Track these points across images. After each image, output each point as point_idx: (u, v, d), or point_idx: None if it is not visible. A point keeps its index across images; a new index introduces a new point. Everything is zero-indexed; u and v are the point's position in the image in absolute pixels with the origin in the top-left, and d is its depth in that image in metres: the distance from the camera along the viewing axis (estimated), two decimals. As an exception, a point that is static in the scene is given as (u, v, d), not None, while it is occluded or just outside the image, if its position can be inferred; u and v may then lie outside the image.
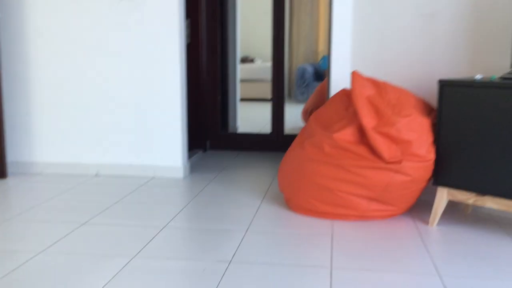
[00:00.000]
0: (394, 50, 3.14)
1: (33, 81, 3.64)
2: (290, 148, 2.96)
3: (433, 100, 3.05)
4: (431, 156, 2.55)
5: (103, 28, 3.52)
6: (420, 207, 2.93)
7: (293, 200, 2.83)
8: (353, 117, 2.66)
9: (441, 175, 2.56)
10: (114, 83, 3.57)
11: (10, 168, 3.69)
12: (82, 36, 3.55)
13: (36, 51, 3.60)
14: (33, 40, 3.60)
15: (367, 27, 3.18)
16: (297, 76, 7.14)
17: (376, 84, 2.74)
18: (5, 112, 3.65)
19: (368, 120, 2.55)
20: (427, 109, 2.78)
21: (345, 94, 2.88)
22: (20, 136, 3.71)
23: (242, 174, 3.77)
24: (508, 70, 2.92)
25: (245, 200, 3.06)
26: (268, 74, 4.84)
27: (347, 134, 2.61)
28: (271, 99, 4.61)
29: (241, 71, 5.99)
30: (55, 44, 3.58)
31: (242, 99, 6.01)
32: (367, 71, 3.17)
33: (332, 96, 2.98)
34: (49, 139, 3.69)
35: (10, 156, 3.70)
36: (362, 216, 2.67)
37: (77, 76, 3.59)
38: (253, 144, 4.65)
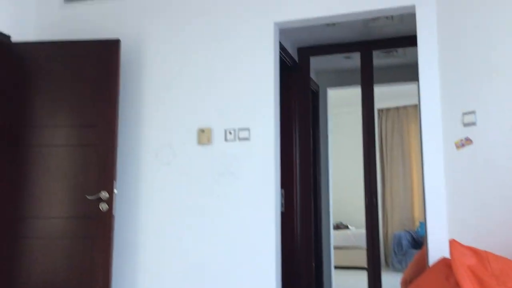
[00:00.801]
0: (493, 216, 3.04)
1: (141, 248, 3.89)
2: (389, 321, 2.81)
3: (545, 271, 2.84)
4: (550, 334, 2.31)
5: (204, 197, 3.79)
6: None
7: None
8: (455, 288, 2.53)
9: None
10: (212, 247, 3.71)
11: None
12: (187, 205, 3.83)
13: (146, 219, 3.91)
14: (144, 210, 3.93)
15: (462, 193, 3.16)
16: (394, 243, 6.94)
17: (477, 253, 2.64)
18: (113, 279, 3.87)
19: (472, 292, 2.42)
20: (538, 281, 2.58)
21: (445, 263, 2.78)
22: (122, 302, 3.86)
23: None
24: None
25: None
26: (362, 241, 4.79)
27: (450, 307, 2.46)
28: (367, 267, 4.50)
29: (335, 238, 5.98)
30: (163, 213, 3.88)
31: (337, 267, 5.89)
32: (465, 239, 3.05)
33: (431, 265, 2.89)
34: (148, 305, 3.80)
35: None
36: None
37: (177, 240, 3.80)
38: (349, 315, 4.44)
